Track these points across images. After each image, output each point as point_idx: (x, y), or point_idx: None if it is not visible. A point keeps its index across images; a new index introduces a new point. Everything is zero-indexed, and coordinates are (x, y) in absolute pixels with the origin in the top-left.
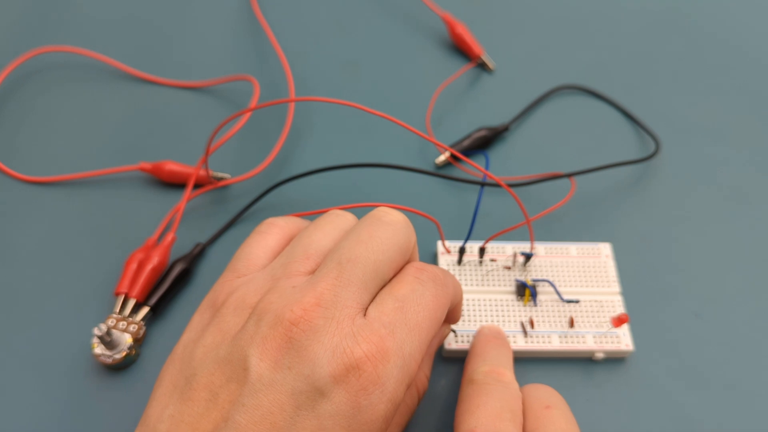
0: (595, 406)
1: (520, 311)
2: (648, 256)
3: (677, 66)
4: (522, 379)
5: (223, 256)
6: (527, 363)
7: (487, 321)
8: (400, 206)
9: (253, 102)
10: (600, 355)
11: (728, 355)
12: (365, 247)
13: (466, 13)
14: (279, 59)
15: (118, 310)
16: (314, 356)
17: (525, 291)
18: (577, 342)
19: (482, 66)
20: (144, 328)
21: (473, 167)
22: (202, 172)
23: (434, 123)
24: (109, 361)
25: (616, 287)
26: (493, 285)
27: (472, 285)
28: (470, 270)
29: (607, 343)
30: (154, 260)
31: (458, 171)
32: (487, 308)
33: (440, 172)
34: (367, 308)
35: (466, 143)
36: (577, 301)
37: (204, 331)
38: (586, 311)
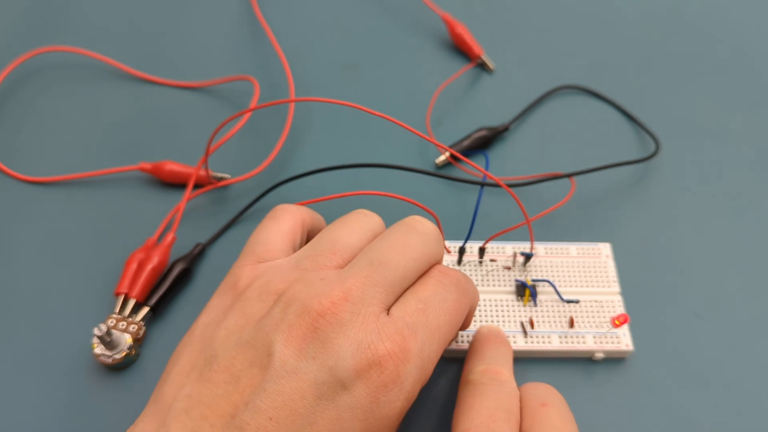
0: (595, 406)
1: (520, 311)
2: (648, 256)
3: (677, 66)
4: (522, 379)
5: (223, 256)
6: (527, 363)
7: (487, 321)
8: (401, 197)
9: (253, 102)
10: (600, 355)
11: (728, 355)
12: (397, 252)
13: (466, 13)
14: (279, 59)
15: (118, 310)
16: (339, 349)
17: (525, 291)
18: (577, 342)
19: (482, 66)
20: (144, 328)
21: (473, 167)
22: (202, 172)
23: (434, 123)
24: (109, 361)
25: (616, 287)
26: (493, 285)
27: None
28: (470, 270)
29: (606, 343)
30: (154, 260)
31: (458, 171)
32: (487, 308)
33: (440, 172)
34: (390, 308)
35: (465, 143)
36: (577, 301)
37: (226, 314)
38: (586, 311)
